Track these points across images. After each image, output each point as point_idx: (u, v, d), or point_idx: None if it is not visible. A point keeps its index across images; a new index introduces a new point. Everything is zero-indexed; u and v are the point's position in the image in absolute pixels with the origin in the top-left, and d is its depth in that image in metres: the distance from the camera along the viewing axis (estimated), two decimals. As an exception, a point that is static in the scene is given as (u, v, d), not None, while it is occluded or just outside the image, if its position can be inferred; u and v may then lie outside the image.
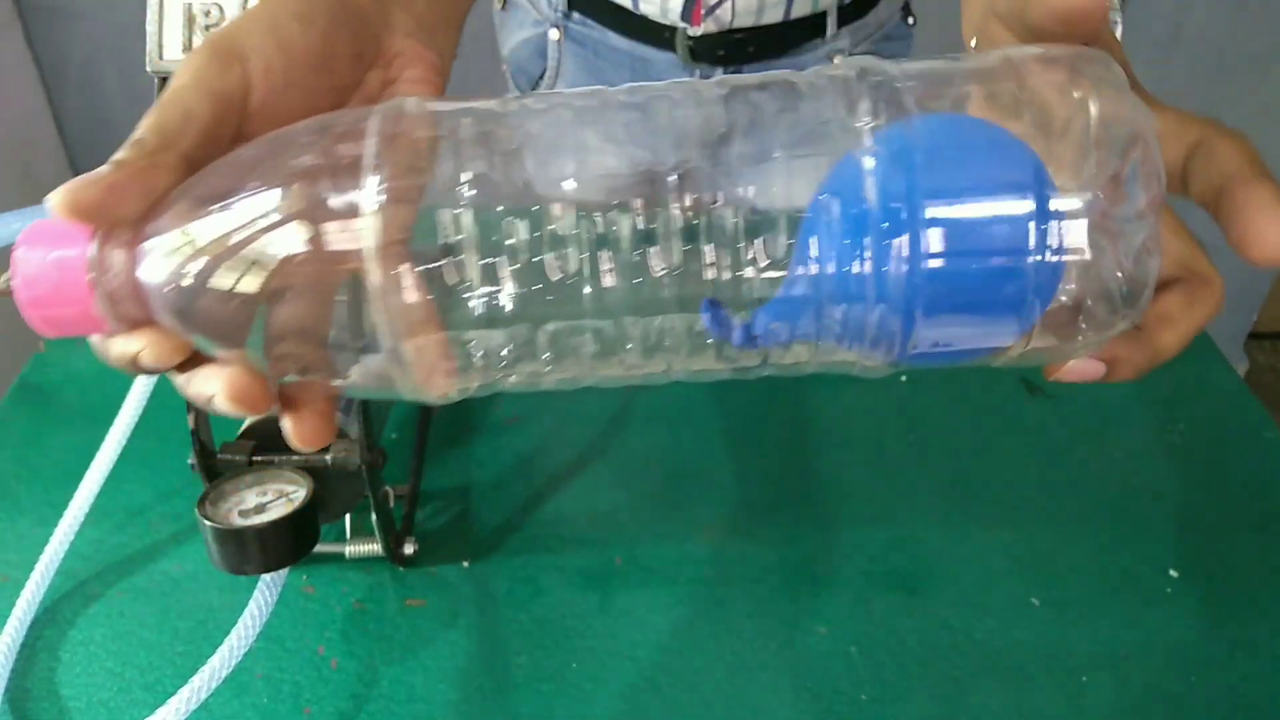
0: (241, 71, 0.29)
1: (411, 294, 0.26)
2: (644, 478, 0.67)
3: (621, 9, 0.73)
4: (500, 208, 0.26)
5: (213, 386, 0.28)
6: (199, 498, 0.49)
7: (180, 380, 0.29)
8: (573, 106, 0.28)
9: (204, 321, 0.27)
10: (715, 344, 0.27)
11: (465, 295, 0.26)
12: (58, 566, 0.57)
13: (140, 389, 0.57)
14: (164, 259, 0.27)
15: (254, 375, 0.28)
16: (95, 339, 0.29)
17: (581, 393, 0.79)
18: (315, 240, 0.26)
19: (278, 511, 0.48)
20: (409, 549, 0.59)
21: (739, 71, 0.75)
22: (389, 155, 0.26)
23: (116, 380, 0.57)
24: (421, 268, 0.26)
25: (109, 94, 1.42)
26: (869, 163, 0.25)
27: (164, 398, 0.56)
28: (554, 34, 0.78)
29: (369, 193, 0.26)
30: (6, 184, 1.28)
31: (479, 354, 0.27)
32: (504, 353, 0.27)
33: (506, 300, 0.26)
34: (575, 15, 0.76)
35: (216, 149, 0.29)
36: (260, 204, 0.26)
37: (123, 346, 0.28)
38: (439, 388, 0.28)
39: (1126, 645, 0.57)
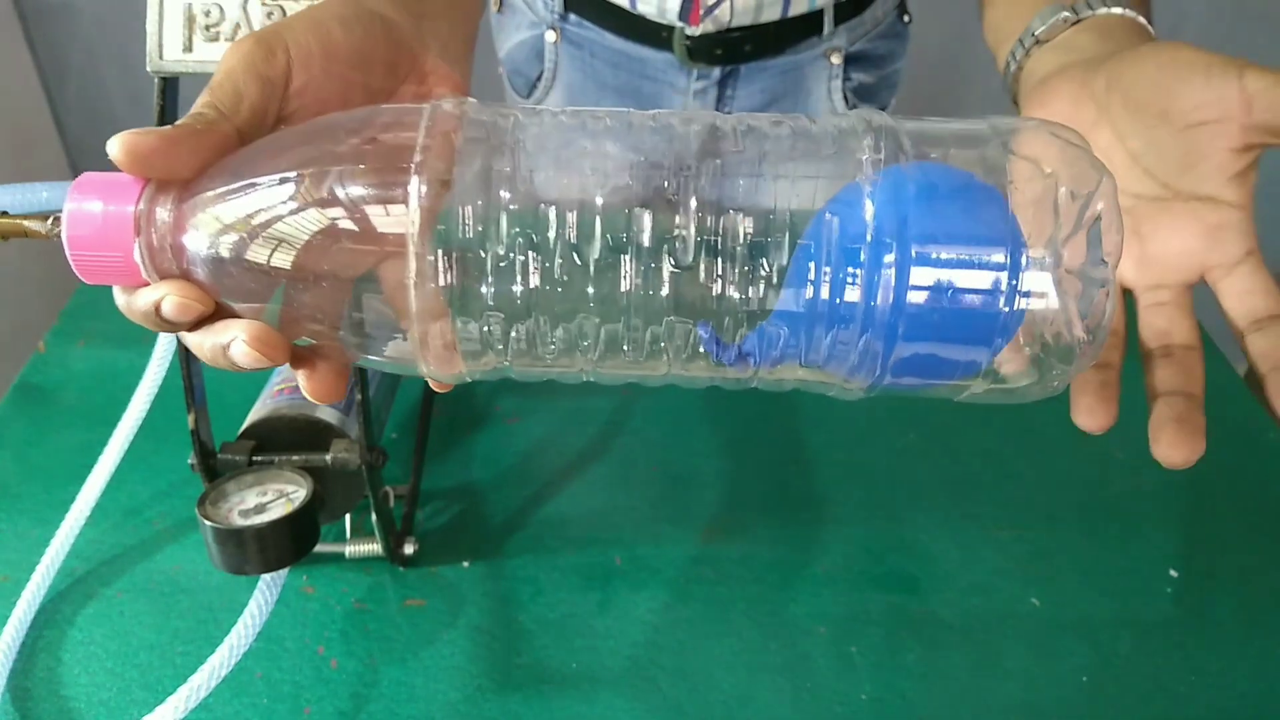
0: (285, 59, 0.32)
1: (439, 280, 0.28)
2: (644, 478, 0.67)
3: (619, 9, 0.73)
4: (519, 211, 0.28)
5: (233, 333, 0.29)
6: (199, 498, 0.49)
7: (195, 338, 0.30)
8: (594, 125, 0.30)
9: (237, 280, 0.29)
10: (708, 355, 0.29)
11: (481, 288, 0.28)
12: (59, 567, 0.57)
13: (145, 389, 0.57)
14: (209, 219, 0.28)
15: (274, 329, 0.30)
16: (121, 293, 0.30)
17: (582, 393, 0.79)
18: (354, 222, 0.28)
19: (278, 511, 0.48)
20: (409, 549, 0.59)
21: (735, 71, 0.75)
22: (434, 150, 0.28)
23: (116, 380, 0.57)
24: (450, 258, 0.28)
25: (109, 94, 1.42)
26: (865, 199, 0.27)
27: (164, 398, 0.56)
28: (550, 36, 0.78)
29: (414, 183, 0.28)
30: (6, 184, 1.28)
31: (488, 342, 0.29)
32: (512, 343, 0.29)
33: (517, 296, 0.28)
34: (572, 17, 0.76)
35: (263, 128, 0.31)
36: (308, 183, 0.28)
37: (150, 296, 0.29)
38: (451, 368, 0.30)
39: (1126, 645, 0.57)
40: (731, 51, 0.73)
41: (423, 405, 0.70)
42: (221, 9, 0.41)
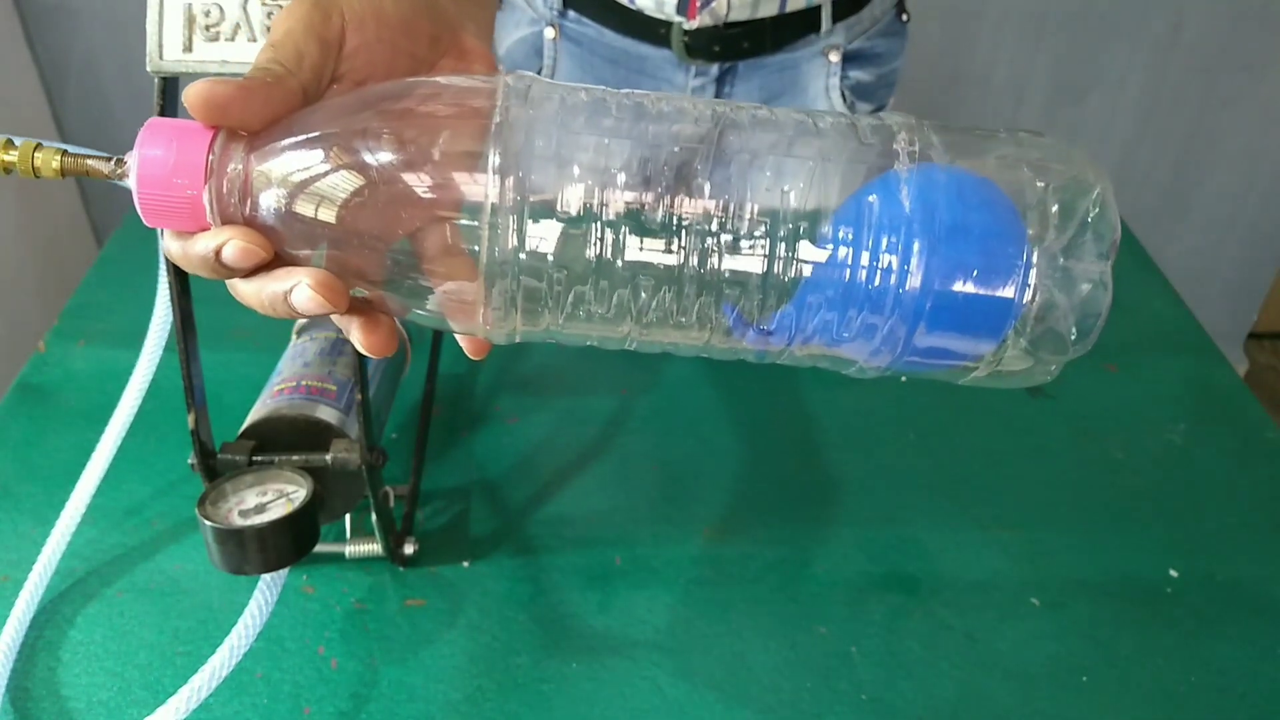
0: (340, 22, 0.33)
1: (509, 243, 0.29)
2: (644, 478, 0.67)
3: (617, 5, 0.73)
4: (585, 182, 0.30)
5: (297, 279, 0.30)
6: (199, 498, 0.49)
7: (250, 286, 0.31)
8: (653, 106, 0.32)
9: (304, 229, 0.29)
10: (734, 333, 0.31)
11: (547, 253, 0.30)
12: (57, 566, 0.57)
13: (135, 388, 0.57)
14: (286, 168, 0.29)
15: (336, 277, 0.30)
16: (174, 239, 0.31)
17: (581, 392, 0.79)
18: (431, 181, 0.29)
19: (278, 511, 0.48)
20: (409, 549, 0.59)
21: (733, 68, 0.75)
22: (509, 119, 0.30)
23: (116, 380, 0.57)
24: (520, 223, 0.29)
25: (109, 94, 1.42)
26: (902, 186, 0.30)
27: (164, 398, 0.56)
28: (549, 33, 0.78)
29: (491, 149, 0.29)
30: (6, 184, 1.28)
31: (547, 304, 0.31)
32: (568, 306, 0.31)
33: (579, 262, 0.30)
34: (571, 14, 0.76)
35: (321, 87, 0.32)
36: (387, 140, 0.29)
37: (211, 241, 0.30)
38: (506, 327, 0.31)
39: (1126, 645, 0.57)
40: (729, 48, 0.73)
41: (423, 405, 0.70)
42: (221, 9, 0.41)
